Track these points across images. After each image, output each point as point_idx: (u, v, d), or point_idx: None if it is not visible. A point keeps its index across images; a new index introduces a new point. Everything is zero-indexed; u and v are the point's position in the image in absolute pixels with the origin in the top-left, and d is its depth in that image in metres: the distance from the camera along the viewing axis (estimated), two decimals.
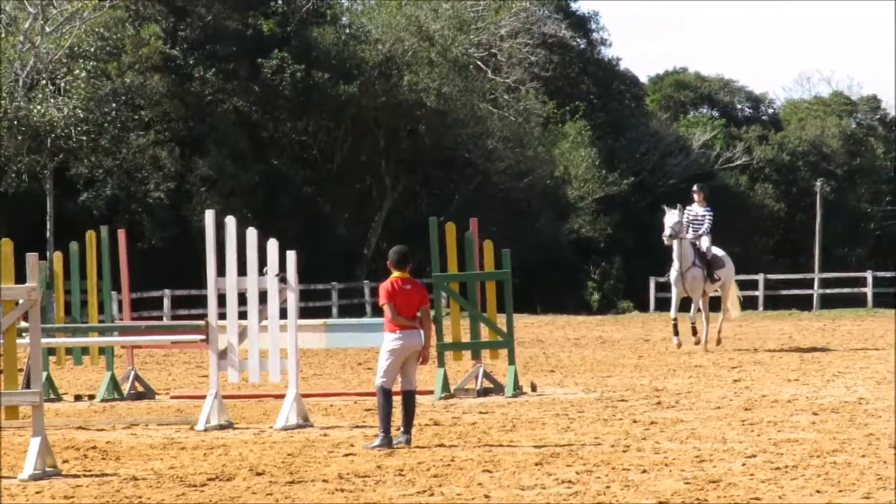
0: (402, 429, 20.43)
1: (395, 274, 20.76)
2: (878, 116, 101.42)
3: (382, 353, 20.64)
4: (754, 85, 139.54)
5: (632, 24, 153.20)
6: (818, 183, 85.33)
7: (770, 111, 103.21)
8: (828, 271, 77.65)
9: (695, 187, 40.38)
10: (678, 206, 38.24)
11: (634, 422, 23.06)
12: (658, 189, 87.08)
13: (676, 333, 38.41)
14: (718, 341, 39.54)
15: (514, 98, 79.26)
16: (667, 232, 37.40)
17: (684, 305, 39.65)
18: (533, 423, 23.13)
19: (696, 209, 38.83)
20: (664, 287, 72.79)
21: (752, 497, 15.50)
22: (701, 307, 38.79)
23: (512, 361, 28.79)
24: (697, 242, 38.29)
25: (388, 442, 20.20)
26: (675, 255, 37.86)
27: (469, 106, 78.10)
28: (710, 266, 38.14)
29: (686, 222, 38.31)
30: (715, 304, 41.16)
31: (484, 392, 28.29)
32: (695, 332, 38.59)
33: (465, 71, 78.60)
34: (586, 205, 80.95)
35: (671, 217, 37.58)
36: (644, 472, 17.55)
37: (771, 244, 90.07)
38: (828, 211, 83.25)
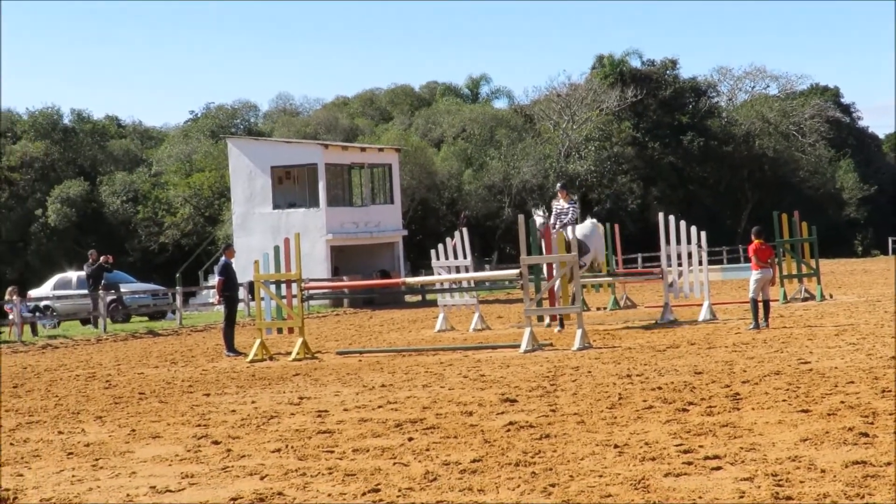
0: (763, 319, 19.94)
1: (756, 240, 20.44)
2: None
3: (751, 281, 20.20)
4: None
5: (878, 104, 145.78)
6: None
7: None
8: None
9: (558, 185, 24.06)
10: (543, 209, 23.71)
11: (885, 312, 21.99)
12: (892, 193, 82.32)
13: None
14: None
15: (812, 149, 76.12)
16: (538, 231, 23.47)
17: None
18: (831, 314, 22.27)
19: (562, 203, 23.16)
20: None
21: None
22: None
23: (819, 282, 27.82)
24: (565, 232, 22.92)
25: (756, 326, 19.75)
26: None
27: (790, 155, 75.53)
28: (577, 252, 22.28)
29: (553, 216, 23.15)
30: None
31: (804, 299, 27.32)
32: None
33: (787, 137, 75.95)
34: (851, 202, 77.15)
35: (538, 220, 23.29)
36: (893, 338, 16.71)
37: None
38: None
